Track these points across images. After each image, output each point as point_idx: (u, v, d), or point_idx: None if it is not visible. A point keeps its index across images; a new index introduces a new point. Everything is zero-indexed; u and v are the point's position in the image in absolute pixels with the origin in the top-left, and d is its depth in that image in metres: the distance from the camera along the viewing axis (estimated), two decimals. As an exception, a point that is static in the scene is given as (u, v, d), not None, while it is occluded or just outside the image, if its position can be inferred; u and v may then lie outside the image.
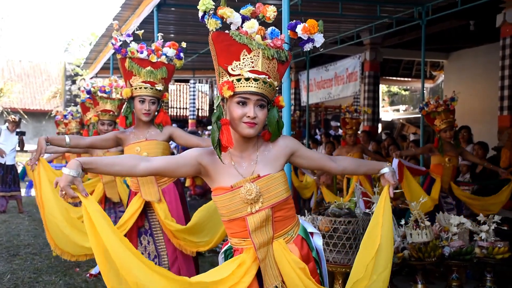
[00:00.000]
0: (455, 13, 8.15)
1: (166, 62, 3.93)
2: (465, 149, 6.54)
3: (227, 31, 2.16)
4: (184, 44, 4.05)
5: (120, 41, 3.82)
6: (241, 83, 2.15)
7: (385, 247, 2.49)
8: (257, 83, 2.15)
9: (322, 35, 2.23)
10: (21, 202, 10.64)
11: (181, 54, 4.00)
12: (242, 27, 2.16)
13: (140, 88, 3.83)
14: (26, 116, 23.47)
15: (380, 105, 17.89)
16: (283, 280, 2.26)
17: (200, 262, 4.46)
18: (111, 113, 5.35)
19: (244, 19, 2.17)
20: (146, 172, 2.23)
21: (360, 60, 12.19)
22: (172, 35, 10.37)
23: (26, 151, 9.96)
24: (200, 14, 2.13)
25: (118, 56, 3.87)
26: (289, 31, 2.23)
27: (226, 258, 2.35)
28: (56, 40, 67.52)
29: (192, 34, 10.44)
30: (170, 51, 3.92)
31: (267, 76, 2.17)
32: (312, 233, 2.46)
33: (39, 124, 25.44)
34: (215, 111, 2.21)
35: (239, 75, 2.14)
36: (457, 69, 13.94)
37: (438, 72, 16.57)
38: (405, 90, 23.80)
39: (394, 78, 17.75)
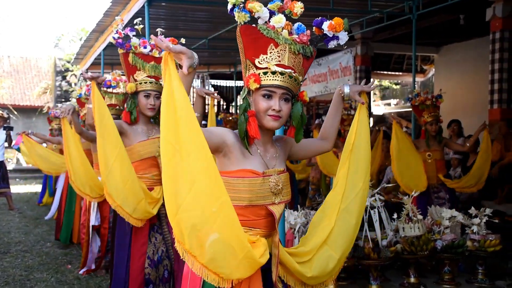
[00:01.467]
0: (445, 7, 8.16)
1: None
2: (448, 140, 6.57)
3: (254, 25, 2.19)
4: (183, 41, 4.04)
5: (124, 34, 3.79)
6: (267, 76, 2.19)
7: (361, 156, 2.55)
8: (283, 77, 2.19)
9: (346, 33, 2.28)
10: (11, 199, 10.58)
11: None
12: (269, 22, 2.20)
13: (145, 82, 3.82)
14: (16, 112, 23.32)
15: (371, 99, 17.92)
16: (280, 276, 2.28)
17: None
18: (117, 107, 5.33)
19: (271, 14, 2.21)
20: None
21: (352, 54, 12.19)
22: (163, 31, 10.31)
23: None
24: (229, 7, 2.16)
25: (120, 51, 3.84)
26: (314, 27, 2.27)
27: None
28: (46, 36, 67.02)
29: (183, 30, 10.39)
30: None
31: (292, 71, 2.21)
32: None
33: (29, 120, 25.27)
34: (241, 102, 2.25)
35: (266, 68, 2.19)
36: (448, 63, 13.97)
37: (428, 66, 16.60)
38: (396, 84, 23.84)
39: (385, 72, 17.76)
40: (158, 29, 4.18)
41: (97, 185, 5.22)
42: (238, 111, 2.26)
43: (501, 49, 8.63)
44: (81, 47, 12.07)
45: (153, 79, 3.84)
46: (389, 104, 21.90)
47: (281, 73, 2.18)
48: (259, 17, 2.19)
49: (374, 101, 22.21)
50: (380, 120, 16.70)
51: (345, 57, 12.57)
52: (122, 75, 5.07)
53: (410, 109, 8.59)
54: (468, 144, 6.33)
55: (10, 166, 17.42)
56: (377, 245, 4.26)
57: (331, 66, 13.12)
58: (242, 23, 2.17)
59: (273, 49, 2.19)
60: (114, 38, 3.85)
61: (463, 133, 8.77)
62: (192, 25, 10.20)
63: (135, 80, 3.84)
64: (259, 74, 2.20)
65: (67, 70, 23.38)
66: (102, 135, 3.73)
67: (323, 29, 2.26)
